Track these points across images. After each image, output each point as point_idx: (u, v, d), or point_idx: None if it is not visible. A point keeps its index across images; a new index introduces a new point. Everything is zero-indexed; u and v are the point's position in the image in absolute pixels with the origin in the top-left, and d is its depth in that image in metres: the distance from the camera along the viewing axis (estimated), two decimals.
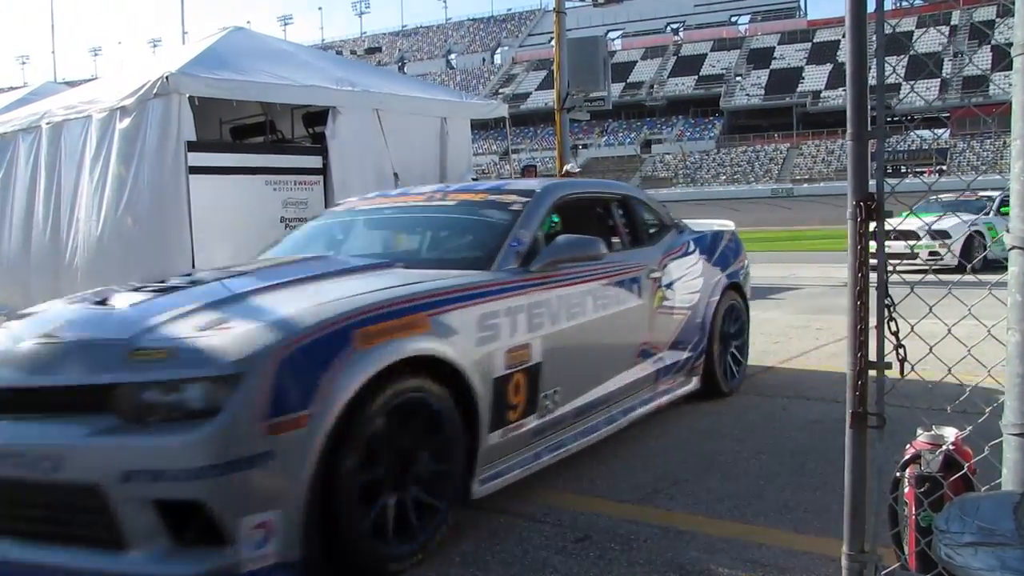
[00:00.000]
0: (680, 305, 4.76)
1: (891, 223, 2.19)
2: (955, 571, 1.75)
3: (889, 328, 2.19)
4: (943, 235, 12.30)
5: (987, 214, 13.39)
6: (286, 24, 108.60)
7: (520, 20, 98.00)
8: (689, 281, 4.91)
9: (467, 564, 2.80)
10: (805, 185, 58.01)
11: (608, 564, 2.76)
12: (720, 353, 5.12)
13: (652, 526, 3.08)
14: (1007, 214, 2.07)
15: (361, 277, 3.33)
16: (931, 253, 12.57)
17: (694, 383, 4.91)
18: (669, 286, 4.65)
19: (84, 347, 2.69)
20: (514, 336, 3.28)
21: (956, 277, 2.32)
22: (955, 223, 12.35)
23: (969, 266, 2.33)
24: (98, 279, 9.63)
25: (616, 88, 64.98)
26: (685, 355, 4.77)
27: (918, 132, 49.73)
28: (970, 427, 2.27)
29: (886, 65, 2.20)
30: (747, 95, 72.01)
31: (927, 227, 10.72)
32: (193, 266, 9.00)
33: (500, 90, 78.25)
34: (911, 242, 10.89)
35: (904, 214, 2.59)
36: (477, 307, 3.16)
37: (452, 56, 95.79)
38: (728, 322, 5.28)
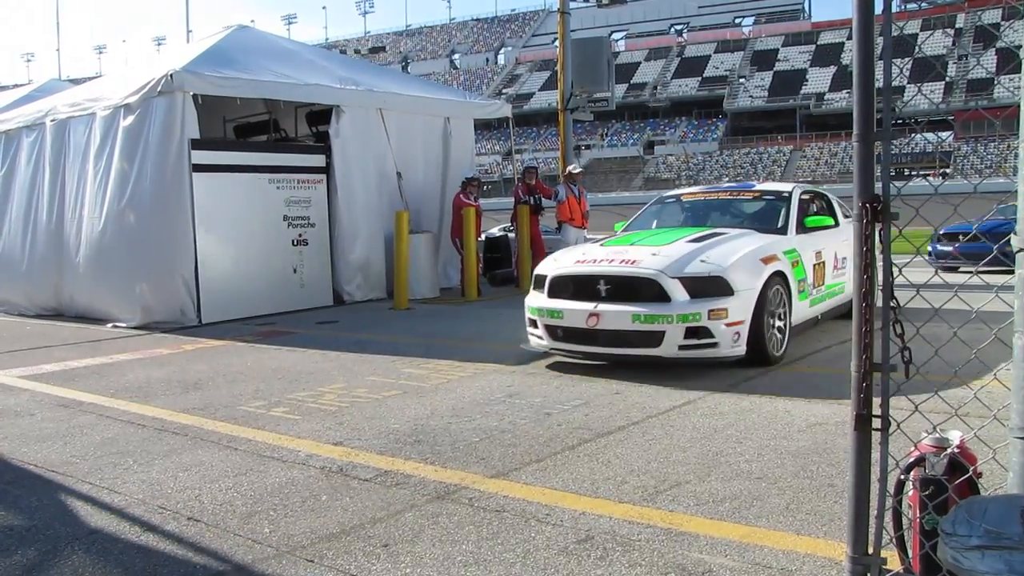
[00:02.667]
0: None
1: None
2: (961, 574, 1.74)
3: (894, 330, 2.18)
4: None
5: None
6: (290, 23, 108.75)
7: (524, 20, 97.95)
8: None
9: (468, 564, 2.79)
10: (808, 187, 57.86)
11: (609, 565, 2.75)
12: None
13: (654, 527, 3.07)
14: None
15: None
16: None
17: None
18: None
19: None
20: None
21: (962, 279, 2.31)
22: None
23: (975, 269, 2.32)
24: (101, 274, 9.66)
25: (619, 89, 64.94)
26: None
27: (923, 135, 49.60)
28: (975, 430, 2.26)
29: (892, 67, 2.19)
30: (750, 97, 71.91)
31: None
32: (196, 261, 9.03)
33: (504, 90, 78.23)
34: None
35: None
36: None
37: (456, 56, 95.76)
38: None
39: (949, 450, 2.20)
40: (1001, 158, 53.30)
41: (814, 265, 6.95)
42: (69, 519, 3.31)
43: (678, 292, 5.75)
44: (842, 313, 7.69)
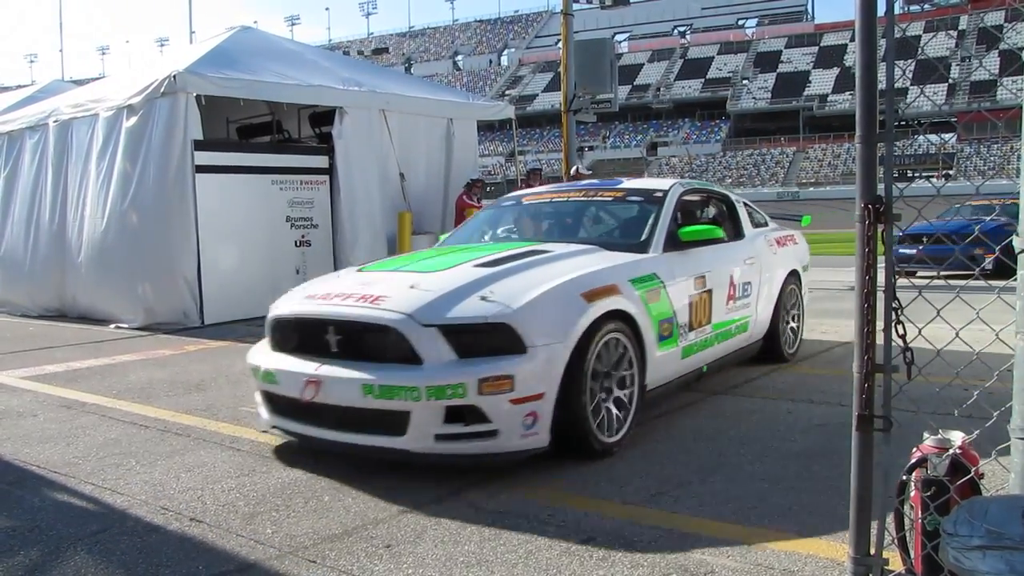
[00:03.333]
0: None
1: None
2: (963, 574, 1.75)
3: (896, 331, 2.18)
4: None
5: None
6: (293, 24, 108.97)
7: (527, 22, 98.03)
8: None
9: (470, 564, 2.80)
10: (811, 189, 57.92)
11: (611, 566, 2.75)
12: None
13: (656, 528, 3.07)
14: None
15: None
16: None
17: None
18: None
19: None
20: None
21: (964, 281, 2.31)
22: None
23: (978, 270, 2.32)
24: (103, 275, 9.67)
25: (623, 90, 64.97)
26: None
27: (926, 136, 49.56)
28: (977, 431, 2.26)
29: (895, 69, 2.19)
30: (754, 98, 71.90)
31: None
32: (198, 262, 9.05)
33: (507, 92, 78.29)
34: None
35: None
36: None
37: (459, 57, 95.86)
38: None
39: (951, 451, 2.20)
40: (1004, 160, 53.23)
41: (692, 297, 4.89)
42: (72, 520, 3.32)
43: (434, 348, 3.62)
44: (748, 359, 6.02)
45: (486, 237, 5.70)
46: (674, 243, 4.96)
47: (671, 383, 4.74)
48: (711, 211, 6.15)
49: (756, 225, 6.36)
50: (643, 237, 4.97)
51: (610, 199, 5.75)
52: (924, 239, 11.51)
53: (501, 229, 5.81)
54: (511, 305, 3.73)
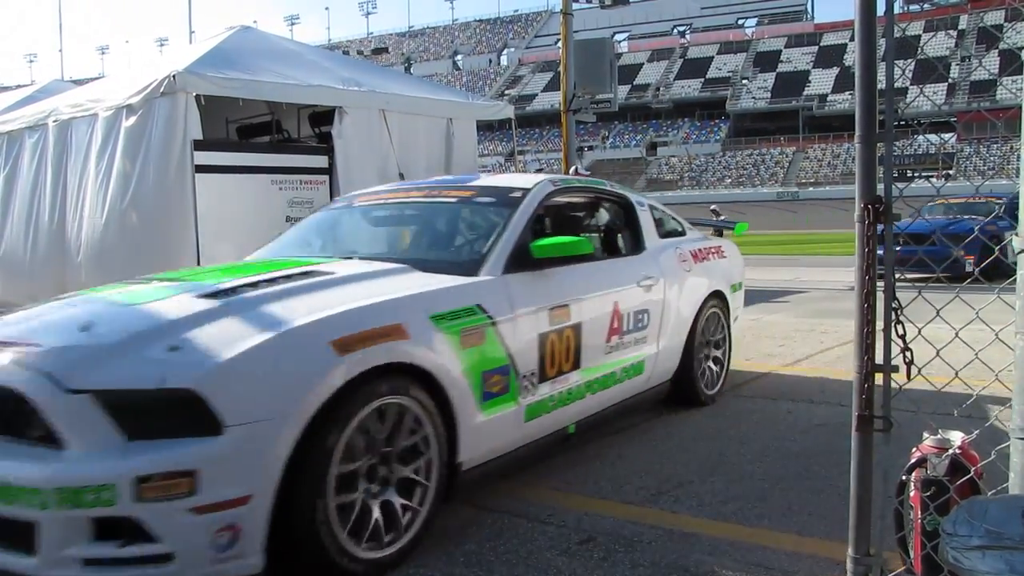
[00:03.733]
0: None
1: None
2: (962, 574, 1.75)
3: (896, 331, 2.19)
4: None
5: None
6: (293, 24, 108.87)
7: (527, 21, 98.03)
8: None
9: (471, 564, 2.80)
10: (811, 188, 57.95)
11: (612, 566, 2.76)
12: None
13: (656, 528, 3.07)
14: None
15: None
16: None
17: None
18: None
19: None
20: None
21: (964, 281, 2.31)
22: None
23: (976, 270, 2.32)
24: (103, 275, 9.66)
25: (622, 90, 64.94)
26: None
27: (925, 136, 49.61)
28: (977, 431, 2.27)
29: (895, 69, 2.20)
30: (753, 98, 71.91)
31: None
32: (198, 263, 9.04)
33: (506, 91, 78.29)
34: None
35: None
36: None
37: (458, 57, 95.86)
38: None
39: (951, 451, 2.21)
40: (1004, 160, 53.25)
41: (545, 334, 3.53)
42: None
43: (85, 427, 2.42)
44: (637, 403, 4.53)
45: (299, 248, 4.38)
46: (522, 261, 3.60)
47: (508, 455, 3.41)
48: (601, 217, 4.91)
49: (667, 235, 5.09)
50: (476, 253, 3.67)
51: (454, 200, 4.30)
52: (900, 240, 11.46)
53: (318, 238, 4.55)
54: (205, 362, 2.49)
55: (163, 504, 2.34)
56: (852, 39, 2.22)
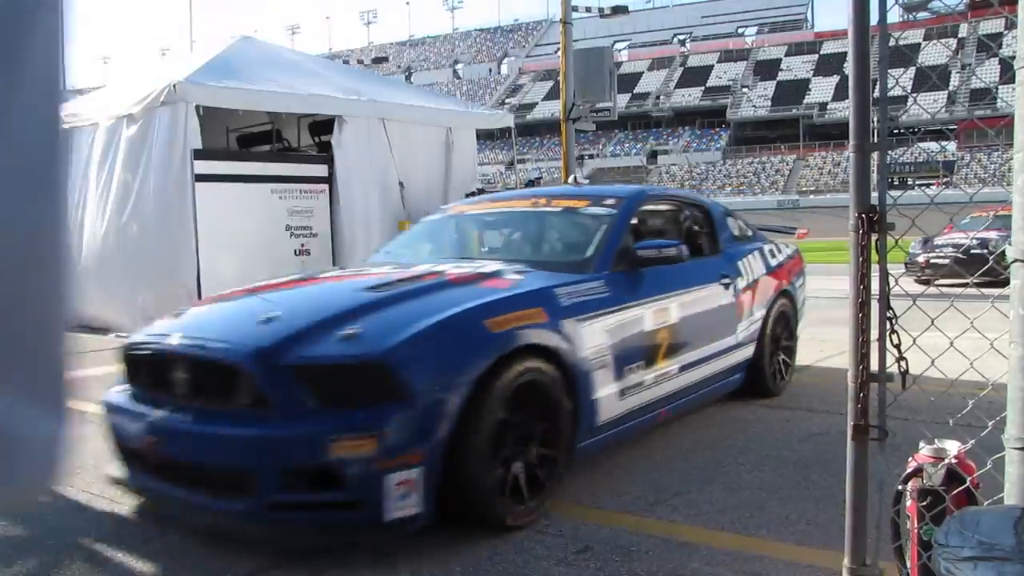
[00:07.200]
0: None
1: None
2: None
3: (891, 340, 2.19)
4: None
5: None
6: (294, 33, 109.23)
7: (527, 31, 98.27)
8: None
9: (467, 574, 2.79)
10: (811, 197, 57.96)
11: (609, 575, 2.75)
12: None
13: (654, 537, 3.07)
14: None
15: None
16: None
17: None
18: None
19: None
20: None
21: (959, 290, 2.32)
22: None
23: (972, 279, 2.32)
24: (103, 284, 9.68)
25: (622, 99, 65.13)
26: None
27: (924, 144, 49.71)
28: (973, 440, 2.27)
29: (890, 78, 2.21)
30: (753, 106, 72.03)
31: None
32: (198, 272, 9.05)
33: (506, 100, 78.42)
34: None
35: None
36: None
37: (459, 66, 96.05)
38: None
39: (947, 460, 2.20)
40: (1005, 167, 53.30)
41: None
42: (70, 529, 3.32)
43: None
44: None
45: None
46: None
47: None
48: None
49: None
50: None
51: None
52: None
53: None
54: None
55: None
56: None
